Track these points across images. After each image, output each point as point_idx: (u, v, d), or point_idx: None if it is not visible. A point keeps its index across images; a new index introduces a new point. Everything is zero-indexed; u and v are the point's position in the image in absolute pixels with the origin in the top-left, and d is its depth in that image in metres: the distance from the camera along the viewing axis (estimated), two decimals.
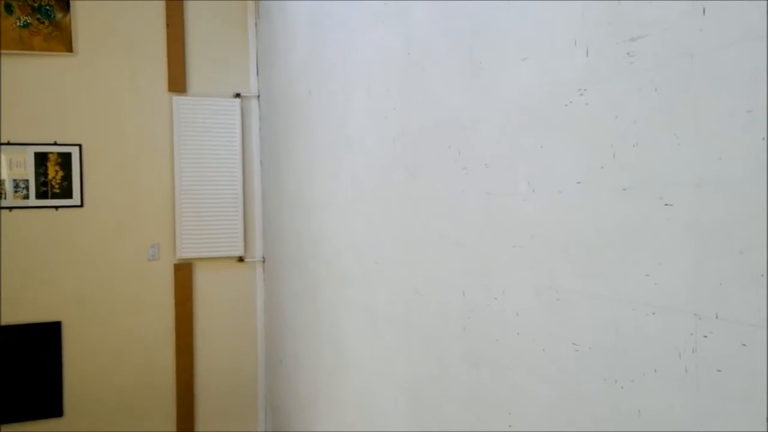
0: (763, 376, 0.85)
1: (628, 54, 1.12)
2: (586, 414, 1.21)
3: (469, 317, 1.64)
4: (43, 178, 4.11)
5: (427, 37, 1.86)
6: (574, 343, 1.24)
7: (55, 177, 4.13)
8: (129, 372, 4.29)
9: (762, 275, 0.85)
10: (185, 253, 4.35)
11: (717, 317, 0.92)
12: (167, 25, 4.39)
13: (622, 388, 1.11)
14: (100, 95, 4.26)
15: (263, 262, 4.51)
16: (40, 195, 4.11)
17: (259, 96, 4.61)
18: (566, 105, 1.27)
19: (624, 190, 1.11)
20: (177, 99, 4.39)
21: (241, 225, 4.47)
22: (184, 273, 4.40)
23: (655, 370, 1.04)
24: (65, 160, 4.16)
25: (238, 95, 4.57)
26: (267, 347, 4.44)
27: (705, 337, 0.94)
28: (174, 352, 4.37)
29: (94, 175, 4.23)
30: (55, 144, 4.15)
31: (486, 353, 1.56)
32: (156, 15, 4.36)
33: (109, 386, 4.25)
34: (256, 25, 4.63)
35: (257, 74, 4.62)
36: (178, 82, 4.43)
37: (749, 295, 0.87)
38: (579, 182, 1.23)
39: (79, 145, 4.19)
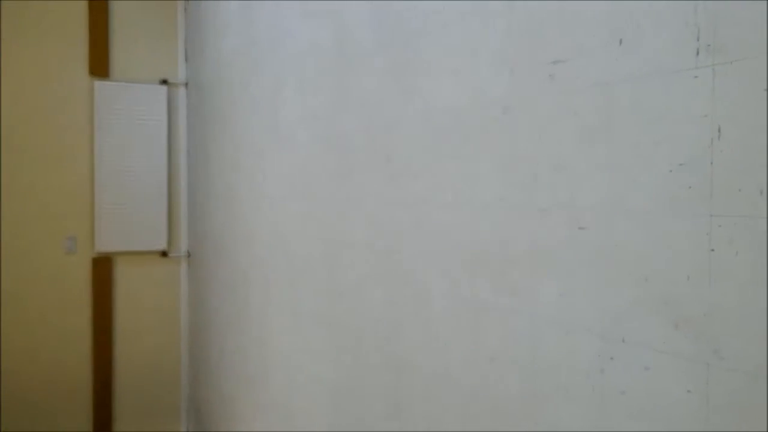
0: (664, 399, 0.89)
1: (550, 76, 1.14)
2: (504, 425, 1.24)
3: (393, 324, 1.64)
4: None
5: (360, 38, 1.84)
6: (491, 358, 1.26)
7: None
8: (43, 370, 4.09)
9: (665, 302, 0.89)
10: (105, 246, 4.18)
11: (623, 341, 0.96)
12: (89, 1, 4.17)
13: (536, 404, 1.14)
14: (14, 77, 4.02)
15: (188, 257, 4.39)
16: None
17: (187, 84, 4.46)
18: (491, 121, 1.28)
19: (542, 210, 1.14)
20: (99, 84, 4.20)
21: (165, 218, 4.33)
22: (103, 267, 4.22)
23: (567, 389, 1.07)
24: None
25: (165, 82, 4.41)
26: (191, 345, 4.34)
27: (611, 359, 0.98)
28: (91, 349, 4.21)
29: (8, 163, 4.00)
30: None
31: (408, 360, 1.57)
32: None
33: (21, 384, 4.05)
34: (185, 8, 4.47)
35: (186, 60, 4.48)
36: (100, 66, 4.23)
37: (653, 321, 0.91)
38: (501, 198, 1.25)
39: None
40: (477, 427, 1.31)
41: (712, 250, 0.83)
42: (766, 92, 0.77)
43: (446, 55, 1.43)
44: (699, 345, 0.84)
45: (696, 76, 0.86)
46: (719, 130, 0.83)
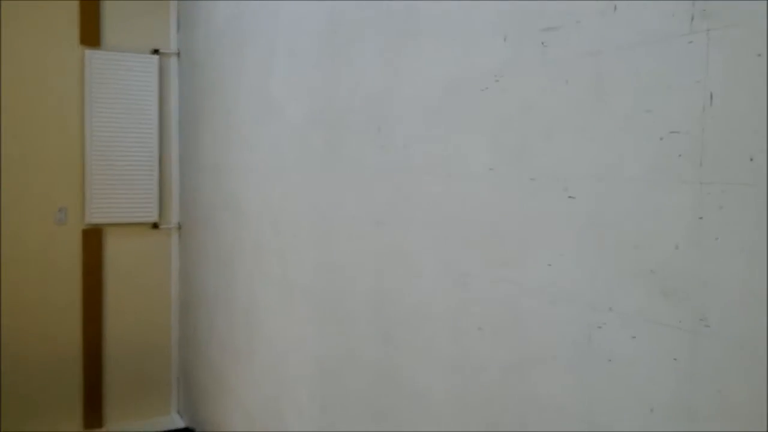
0: (650, 367, 0.89)
1: (542, 44, 1.12)
2: (488, 395, 1.24)
3: (383, 294, 1.64)
4: None
5: (352, 8, 1.81)
6: (479, 327, 1.26)
7: None
8: (32, 342, 4.09)
9: (652, 271, 0.89)
10: (95, 218, 4.15)
11: (611, 309, 0.96)
12: None
13: (522, 372, 1.15)
14: (2, 46, 3.95)
15: (179, 229, 4.37)
16: None
17: (179, 54, 4.40)
18: (482, 90, 1.27)
19: (532, 179, 1.13)
20: (90, 53, 4.13)
21: (156, 190, 4.29)
22: (93, 239, 4.20)
23: (554, 357, 1.07)
24: None
25: (156, 51, 4.34)
26: (181, 317, 4.34)
27: (599, 328, 0.98)
28: (81, 322, 4.20)
29: None
30: None
31: (397, 331, 1.57)
32: None
33: (10, 357, 4.04)
34: None
35: (178, 30, 4.41)
36: (91, 35, 4.16)
37: (640, 290, 0.91)
38: (491, 169, 1.24)
39: None
40: (464, 396, 1.31)
41: (701, 218, 0.82)
42: (759, 58, 0.76)
43: (440, 23, 1.41)
44: (686, 313, 0.84)
45: (690, 42, 0.85)
46: (711, 97, 0.81)
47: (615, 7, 0.97)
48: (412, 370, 1.51)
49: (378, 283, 1.66)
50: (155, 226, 4.34)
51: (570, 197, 1.04)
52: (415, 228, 1.49)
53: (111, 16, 4.24)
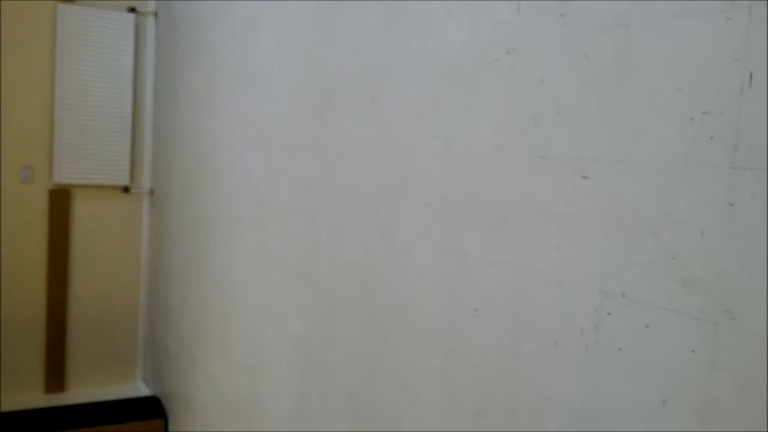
0: (664, 358, 0.85)
1: (561, 15, 1.07)
2: (481, 380, 1.20)
3: (370, 273, 1.59)
4: None
5: None
6: (475, 309, 1.21)
7: None
8: None
9: (673, 258, 0.85)
10: (64, 178, 3.99)
11: (624, 296, 0.92)
12: None
13: (519, 358, 1.11)
14: None
15: (151, 194, 4.24)
16: None
17: (156, 13, 4.24)
18: (491, 62, 1.21)
19: (542, 158, 1.08)
20: (63, 7, 3.95)
21: (128, 152, 4.15)
22: (61, 200, 4.05)
23: (556, 344, 1.03)
24: None
25: (133, 10, 4.18)
26: (150, 285, 4.23)
27: (609, 314, 0.94)
28: (46, 284, 4.06)
29: None
30: None
31: (384, 312, 1.52)
32: None
33: None
34: None
35: None
36: None
37: (658, 277, 0.87)
38: (496, 145, 1.19)
39: None
40: (454, 382, 1.27)
41: (732, 204, 0.78)
42: None
43: None
44: (708, 304, 0.80)
45: (729, 18, 0.80)
46: (751, 77, 0.77)
47: None
48: (399, 351, 1.46)
49: (364, 260, 1.61)
50: (126, 189, 4.21)
51: (584, 177, 0.99)
52: (408, 205, 1.43)
53: None
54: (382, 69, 1.56)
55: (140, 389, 4.28)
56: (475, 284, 1.22)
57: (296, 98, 2.04)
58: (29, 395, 4.04)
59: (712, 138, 0.81)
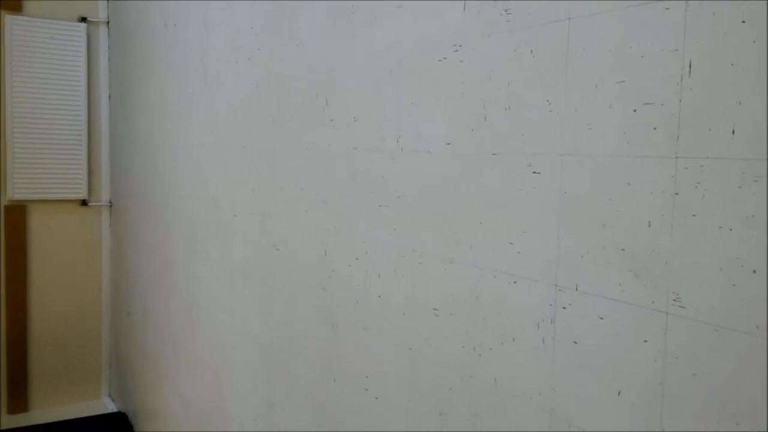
0: (618, 349, 0.86)
1: (505, 11, 1.07)
2: (443, 379, 1.19)
3: (329, 276, 1.57)
4: None
5: None
6: (434, 308, 1.21)
7: None
8: None
9: (623, 249, 0.85)
10: (18, 193, 3.88)
11: (577, 289, 0.92)
12: None
13: (480, 355, 1.10)
14: None
15: (110, 206, 4.15)
16: None
17: (108, 22, 4.15)
18: (440, 60, 1.20)
19: (493, 154, 1.08)
20: (10, 19, 3.84)
21: (85, 165, 4.05)
22: (16, 216, 3.93)
23: (513, 339, 1.03)
24: None
25: (84, 19, 4.08)
26: (113, 300, 4.14)
27: (564, 308, 0.94)
28: (4, 304, 3.94)
29: None
30: None
31: (345, 314, 1.50)
32: None
33: None
34: None
35: None
36: None
37: (609, 269, 0.87)
38: (449, 143, 1.18)
39: None
40: (417, 381, 1.26)
41: (677, 193, 0.78)
42: (743, 25, 0.72)
43: None
44: (658, 293, 0.80)
45: (667, 8, 0.80)
46: (690, 66, 0.77)
47: None
48: (361, 353, 1.44)
49: (323, 264, 1.59)
50: (84, 203, 4.11)
51: (534, 173, 0.99)
52: (364, 207, 1.42)
53: None
54: (333, 71, 1.54)
55: (106, 406, 4.18)
56: (433, 284, 1.21)
57: (249, 102, 2.01)
58: None
59: (655, 128, 0.81)
